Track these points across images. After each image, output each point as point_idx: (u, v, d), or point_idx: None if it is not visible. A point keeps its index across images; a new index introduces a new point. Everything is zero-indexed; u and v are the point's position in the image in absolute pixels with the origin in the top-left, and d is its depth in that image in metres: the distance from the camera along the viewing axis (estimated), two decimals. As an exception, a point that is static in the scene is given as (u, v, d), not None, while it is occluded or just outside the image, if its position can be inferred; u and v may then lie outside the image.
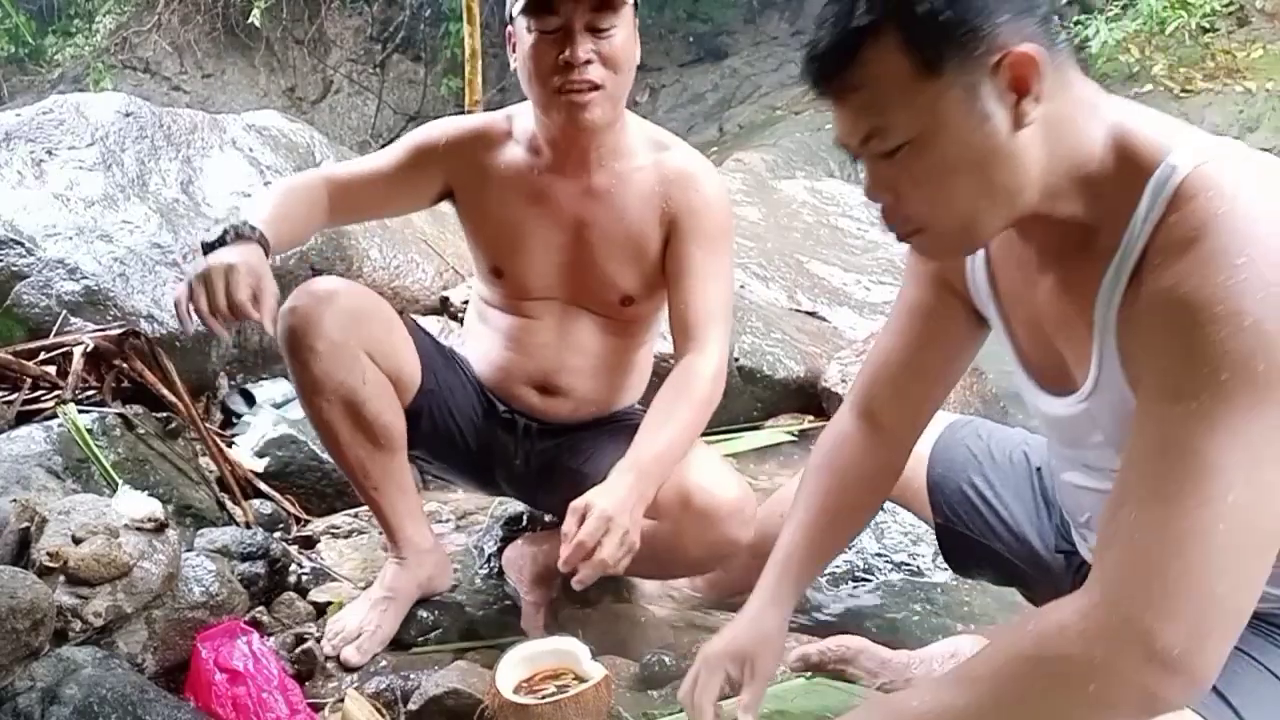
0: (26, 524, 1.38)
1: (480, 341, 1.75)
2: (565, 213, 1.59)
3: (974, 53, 0.86)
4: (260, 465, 2.32)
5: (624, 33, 1.47)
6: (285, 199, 1.56)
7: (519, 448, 1.74)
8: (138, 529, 1.44)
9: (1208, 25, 6.99)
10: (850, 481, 1.26)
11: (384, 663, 1.54)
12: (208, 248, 1.39)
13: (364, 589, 1.72)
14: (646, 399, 1.92)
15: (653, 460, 1.41)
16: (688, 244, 1.56)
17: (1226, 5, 7.02)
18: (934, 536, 1.52)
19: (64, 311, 2.49)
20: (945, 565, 1.59)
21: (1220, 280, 0.79)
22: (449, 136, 1.64)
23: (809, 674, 1.28)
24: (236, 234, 1.40)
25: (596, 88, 1.46)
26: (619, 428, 1.66)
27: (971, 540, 1.45)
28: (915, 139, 0.89)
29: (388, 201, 1.72)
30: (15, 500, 1.48)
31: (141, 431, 1.97)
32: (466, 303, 2.10)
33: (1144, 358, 0.87)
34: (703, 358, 1.51)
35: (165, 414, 2.14)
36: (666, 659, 1.48)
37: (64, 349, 2.11)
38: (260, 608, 1.61)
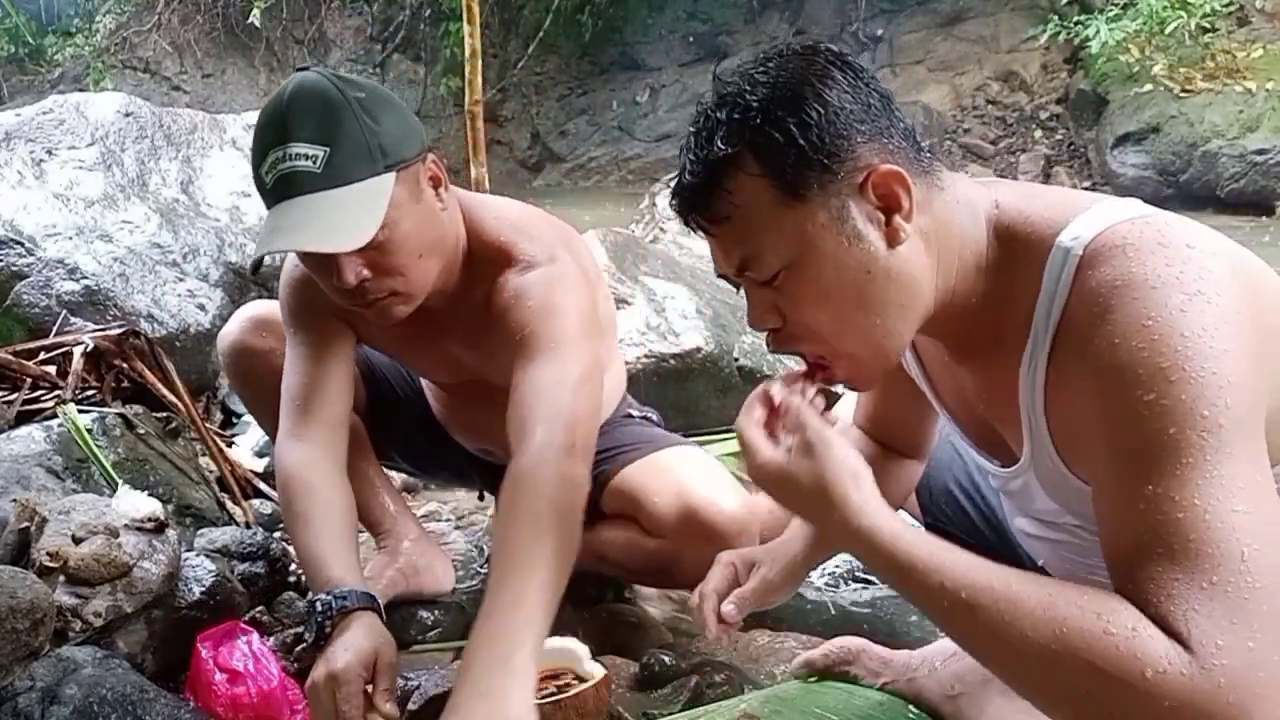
0: (26, 524, 1.38)
1: (428, 391, 1.76)
2: (436, 340, 1.49)
3: (836, 176, 0.87)
4: (260, 465, 2.33)
5: (399, 230, 1.22)
6: (323, 518, 1.34)
7: (487, 473, 1.76)
8: (138, 529, 1.44)
9: (1208, 25, 6.99)
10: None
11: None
12: (317, 630, 1.21)
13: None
14: (647, 400, 1.92)
15: (525, 639, 1.04)
16: (515, 339, 1.32)
17: (1226, 5, 7.02)
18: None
19: (64, 311, 2.50)
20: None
21: (1134, 345, 0.79)
22: (315, 280, 1.36)
23: (813, 678, 1.28)
24: (335, 613, 1.21)
25: (384, 296, 1.27)
26: (599, 444, 1.65)
27: (958, 540, 1.45)
28: (790, 264, 0.90)
29: (345, 372, 1.48)
30: (15, 500, 1.48)
31: (141, 431, 1.97)
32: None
33: (1088, 437, 0.85)
34: (533, 444, 1.18)
35: (165, 414, 2.14)
36: (666, 659, 1.48)
37: (64, 349, 2.11)
38: (260, 608, 1.61)
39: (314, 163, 1.18)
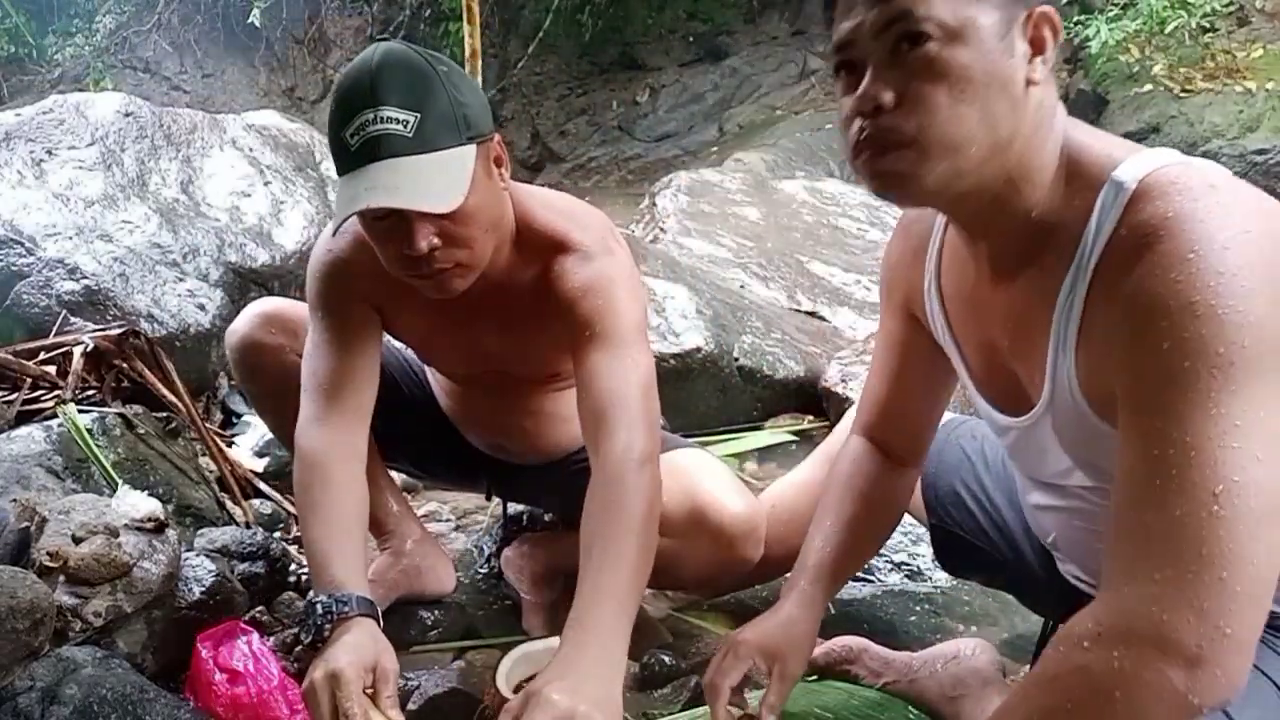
0: (26, 524, 1.38)
1: (438, 389, 1.76)
2: (466, 326, 1.49)
3: None
4: (260, 465, 2.33)
5: (472, 199, 1.24)
6: (335, 512, 1.34)
7: (496, 472, 1.76)
8: (138, 529, 1.44)
9: (1208, 25, 6.98)
10: (871, 500, 1.29)
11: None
12: (314, 632, 1.22)
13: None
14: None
15: (608, 619, 1.12)
16: (583, 332, 1.34)
17: (1226, 5, 7.01)
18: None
19: (64, 311, 2.49)
20: (943, 566, 1.59)
21: (1172, 277, 0.80)
22: (348, 264, 1.43)
23: (814, 676, 1.28)
24: (335, 616, 1.21)
25: (449, 268, 1.28)
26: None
27: (965, 541, 1.45)
28: (945, 37, 0.87)
29: (373, 361, 1.47)
30: (15, 500, 1.48)
31: (141, 431, 1.97)
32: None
33: (1114, 368, 0.87)
34: (617, 446, 1.23)
35: (165, 414, 2.14)
36: (666, 659, 1.48)
37: (64, 349, 2.11)
38: (260, 608, 1.61)
39: (405, 127, 1.19)
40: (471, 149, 1.23)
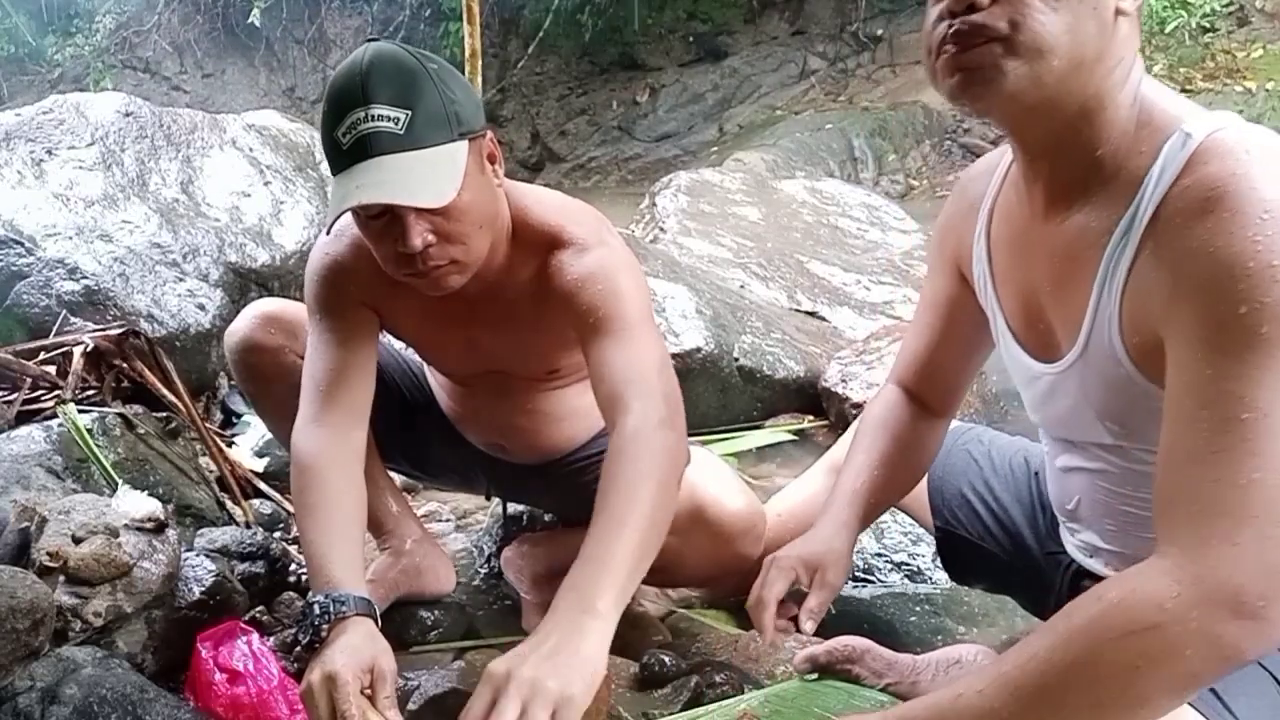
0: (26, 524, 1.38)
1: (437, 388, 1.76)
2: (465, 325, 1.48)
3: None
4: (260, 465, 2.33)
5: (465, 195, 1.23)
6: (332, 512, 1.33)
7: (495, 472, 1.76)
8: (138, 529, 1.44)
9: (1208, 25, 6.99)
10: (903, 440, 1.34)
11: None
12: (312, 633, 1.20)
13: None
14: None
15: (607, 587, 1.07)
16: (588, 321, 1.33)
17: (1226, 5, 7.02)
18: (933, 538, 1.53)
19: (64, 311, 2.49)
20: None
21: (1249, 235, 0.81)
22: (346, 266, 1.42)
23: (816, 675, 1.28)
24: (332, 617, 1.20)
25: (444, 264, 1.27)
26: (603, 442, 1.65)
27: (970, 544, 1.45)
28: None
29: (370, 362, 1.47)
30: (15, 500, 1.48)
31: (141, 431, 1.97)
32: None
33: (1169, 320, 0.87)
34: (633, 416, 1.21)
35: (165, 414, 2.14)
36: (666, 659, 1.48)
37: (64, 349, 2.11)
38: (260, 608, 1.61)
39: (396, 124, 1.19)
40: (463, 145, 1.23)
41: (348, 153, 1.21)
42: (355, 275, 1.40)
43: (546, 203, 1.42)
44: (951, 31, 0.92)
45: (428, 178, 1.19)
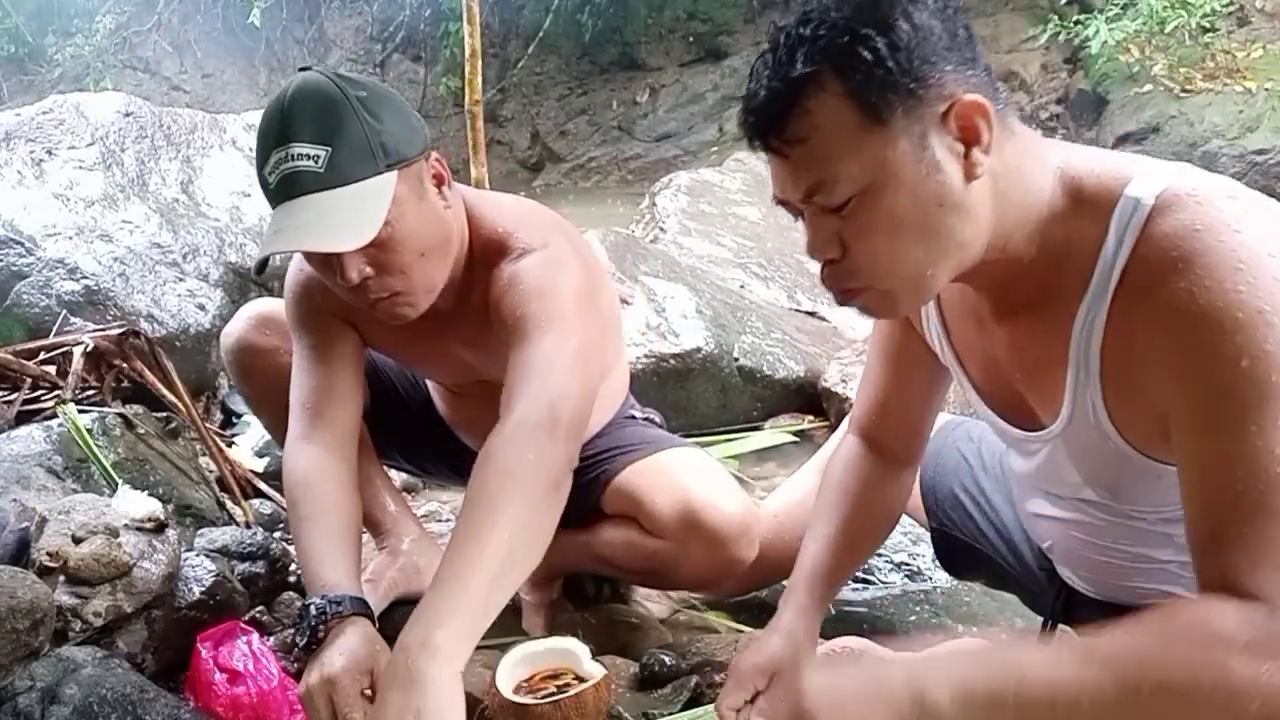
0: (26, 524, 1.38)
1: (433, 391, 1.76)
2: (441, 341, 1.48)
3: (921, 101, 0.84)
4: (260, 465, 2.33)
5: (402, 228, 1.21)
6: (327, 521, 1.33)
7: None
8: (138, 529, 1.44)
9: (1208, 25, 6.98)
10: (866, 502, 1.27)
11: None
12: (309, 634, 1.20)
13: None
14: (647, 400, 1.92)
15: (449, 616, 1.02)
16: (508, 325, 1.29)
17: (1226, 5, 7.02)
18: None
19: (64, 311, 2.50)
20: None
21: (1229, 287, 0.78)
22: (321, 284, 1.39)
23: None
24: (329, 618, 1.19)
25: (386, 296, 1.26)
26: (602, 444, 1.64)
27: (966, 544, 1.45)
28: (864, 190, 0.86)
29: (355, 375, 1.47)
30: (15, 500, 1.47)
31: (141, 431, 1.97)
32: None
33: (1164, 387, 0.84)
34: (511, 419, 1.17)
35: (165, 414, 2.14)
36: (666, 659, 1.48)
37: (64, 349, 2.11)
38: (260, 608, 1.61)
39: (316, 162, 1.18)
40: (391, 176, 1.20)
41: (274, 192, 1.21)
42: (330, 294, 1.39)
43: (502, 209, 1.40)
44: (825, 278, 0.93)
45: (347, 217, 1.18)
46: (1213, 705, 0.73)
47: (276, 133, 1.20)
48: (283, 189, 1.19)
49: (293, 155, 1.18)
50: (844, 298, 0.94)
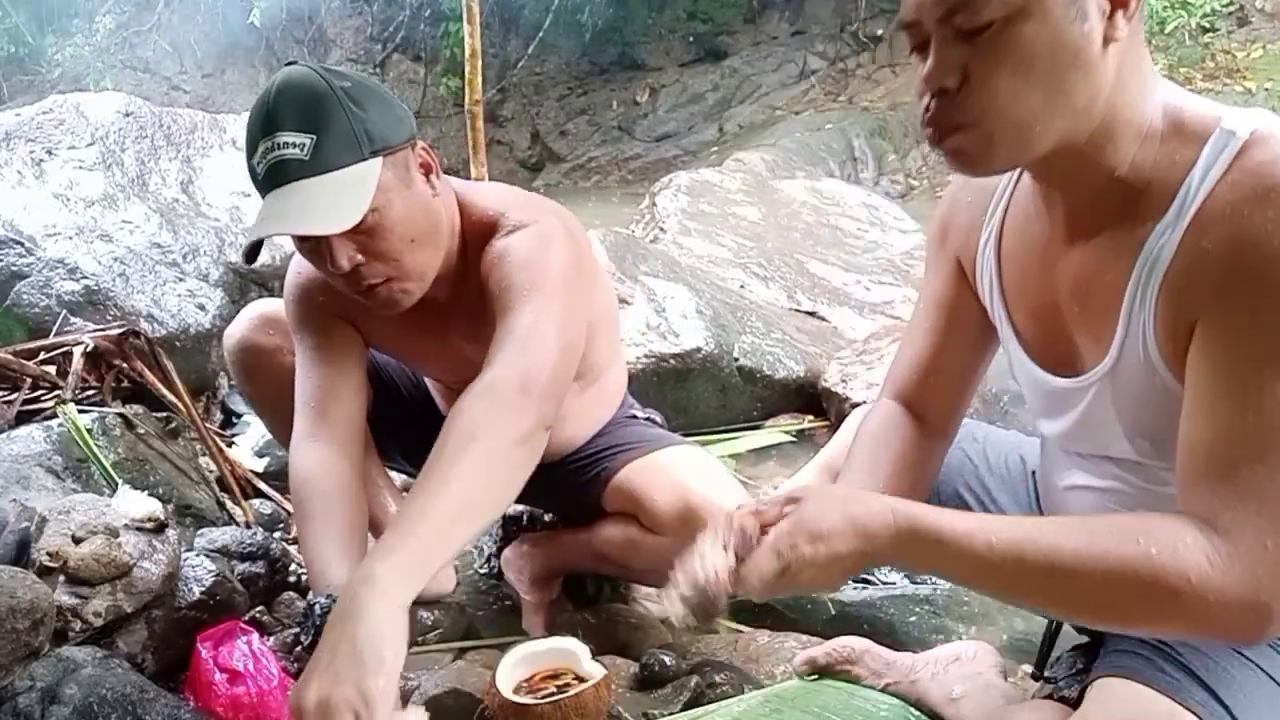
0: (26, 524, 1.38)
1: (434, 390, 1.76)
2: (442, 336, 1.49)
3: None
4: (260, 465, 2.33)
5: (390, 214, 1.24)
6: (333, 520, 1.34)
7: None
8: (138, 529, 1.44)
9: (1208, 25, 7.00)
10: (907, 460, 1.21)
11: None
12: (314, 633, 1.20)
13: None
14: (647, 400, 1.92)
15: (396, 549, 1.03)
16: (496, 296, 1.31)
17: (1226, 5, 7.02)
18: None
19: (64, 311, 2.50)
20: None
21: None
22: (319, 284, 1.42)
23: (815, 675, 1.28)
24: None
25: (380, 283, 1.28)
26: (602, 442, 1.64)
27: None
28: (1010, 16, 0.85)
29: (358, 374, 1.49)
30: (15, 500, 1.47)
31: (141, 431, 1.97)
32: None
33: (1219, 308, 0.86)
34: (489, 373, 1.19)
35: (165, 414, 2.14)
36: (666, 659, 1.47)
37: (64, 349, 2.11)
38: (260, 608, 1.61)
39: (301, 150, 1.20)
40: (376, 163, 1.22)
41: (262, 181, 1.23)
42: (329, 293, 1.41)
43: (492, 194, 1.42)
44: (929, 117, 0.91)
45: (333, 202, 1.20)
46: (1160, 617, 0.83)
47: (263, 123, 1.22)
48: (270, 177, 1.21)
49: (279, 144, 1.20)
50: (941, 136, 0.92)
